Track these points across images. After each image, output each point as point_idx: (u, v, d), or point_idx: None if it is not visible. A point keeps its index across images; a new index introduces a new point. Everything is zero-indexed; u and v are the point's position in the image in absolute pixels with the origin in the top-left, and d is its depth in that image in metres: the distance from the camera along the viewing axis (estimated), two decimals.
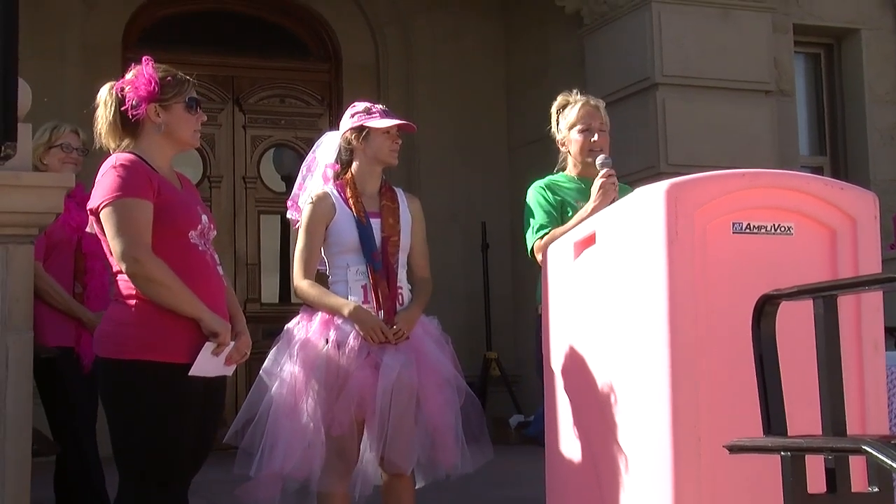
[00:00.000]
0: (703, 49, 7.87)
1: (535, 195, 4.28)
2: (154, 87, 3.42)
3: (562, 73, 9.11)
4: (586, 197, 4.17)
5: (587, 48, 8.48)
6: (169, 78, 3.47)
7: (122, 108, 3.41)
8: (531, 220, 4.25)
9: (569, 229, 3.93)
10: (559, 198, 4.25)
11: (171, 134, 3.48)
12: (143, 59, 3.47)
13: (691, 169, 3.65)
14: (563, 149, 4.42)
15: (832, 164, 9.43)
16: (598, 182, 4.13)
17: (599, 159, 4.19)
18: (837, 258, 3.22)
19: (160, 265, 3.28)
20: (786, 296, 2.39)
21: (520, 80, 9.87)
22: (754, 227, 3.15)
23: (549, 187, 4.29)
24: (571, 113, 4.34)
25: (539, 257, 4.14)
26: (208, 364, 3.35)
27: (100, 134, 3.48)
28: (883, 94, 9.34)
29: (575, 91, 4.47)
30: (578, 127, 4.31)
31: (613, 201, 4.02)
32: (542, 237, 4.17)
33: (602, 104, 4.40)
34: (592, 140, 4.29)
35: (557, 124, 4.41)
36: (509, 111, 10.00)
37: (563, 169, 4.43)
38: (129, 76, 3.46)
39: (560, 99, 4.45)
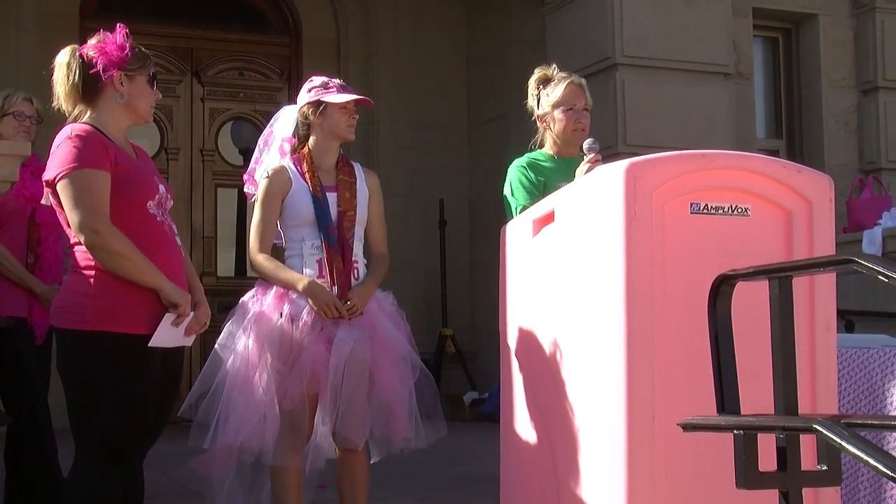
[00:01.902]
0: (664, 30, 7.91)
1: (516, 174, 4.17)
2: (126, 55, 3.40)
3: (522, 52, 9.13)
4: (566, 177, 4.03)
5: (548, 27, 8.49)
6: (137, 49, 3.46)
7: (92, 72, 3.38)
8: (512, 200, 4.14)
9: None
10: (541, 178, 4.14)
11: (130, 105, 3.45)
12: (118, 25, 3.45)
13: (649, 149, 3.65)
14: (541, 125, 4.29)
15: (788, 147, 9.52)
16: (583, 167, 4.01)
17: (586, 144, 4.07)
18: (793, 240, 3.25)
19: (119, 236, 3.26)
20: (742, 276, 2.40)
21: (480, 58, 9.87)
22: (712, 207, 3.17)
23: (530, 166, 4.17)
24: (556, 91, 4.22)
25: None
26: (168, 335, 3.33)
27: (58, 97, 3.44)
28: (839, 79, 9.43)
29: (553, 66, 4.35)
30: (563, 107, 4.20)
31: None
32: None
33: (584, 82, 4.29)
34: (577, 121, 4.19)
35: (538, 99, 4.28)
36: (469, 89, 10.00)
37: (542, 146, 4.32)
38: (93, 42, 3.43)
39: (539, 73, 4.32)
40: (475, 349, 9.37)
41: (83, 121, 3.41)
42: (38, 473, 4.67)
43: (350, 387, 3.84)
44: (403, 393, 3.91)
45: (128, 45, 3.42)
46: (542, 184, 4.13)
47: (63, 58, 3.43)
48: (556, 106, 4.21)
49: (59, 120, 3.50)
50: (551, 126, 4.23)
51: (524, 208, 4.03)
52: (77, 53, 3.42)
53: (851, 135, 9.41)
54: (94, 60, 3.38)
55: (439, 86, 9.82)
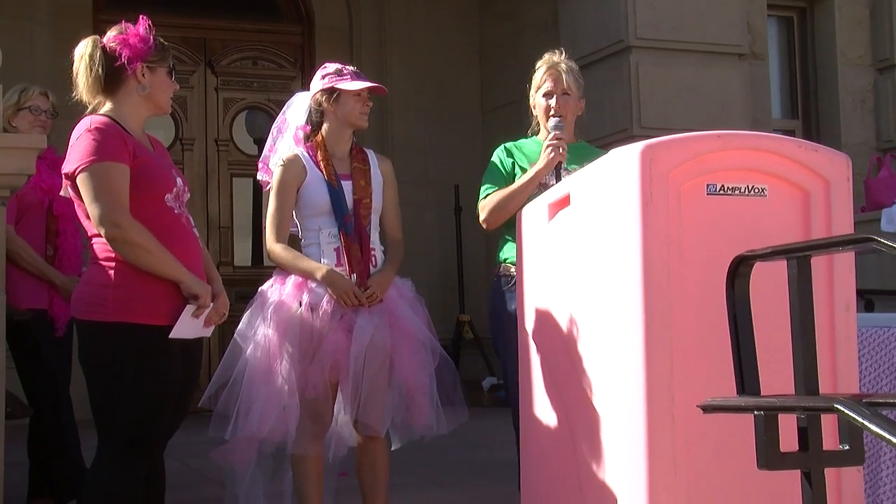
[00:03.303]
0: (677, 12, 7.87)
1: (494, 157, 4.29)
2: (150, 46, 3.40)
3: (536, 37, 9.10)
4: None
5: (561, 11, 8.47)
6: (158, 41, 3.47)
7: (116, 64, 3.38)
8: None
9: (511, 192, 4.07)
10: (512, 160, 4.24)
11: (151, 96, 3.47)
12: (141, 17, 3.47)
13: (664, 132, 3.64)
14: (534, 111, 4.37)
15: (804, 127, 9.47)
16: (544, 144, 4.12)
17: (551, 123, 4.17)
18: (811, 220, 3.23)
19: (140, 229, 3.27)
20: (760, 256, 2.39)
21: (493, 43, 9.84)
22: (728, 188, 3.16)
23: (508, 150, 4.29)
24: (536, 75, 4.30)
25: (482, 216, 4.20)
26: (188, 326, 3.34)
27: (79, 88, 3.44)
28: (855, 57, 9.36)
29: (559, 51, 4.37)
30: (542, 90, 4.27)
31: (559, 165, 4.04)
32: (484, 198, 4.20)
33: (568, 66, 4.28)
34: (550, 104, 4.24)
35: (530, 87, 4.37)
36: (483, 74, 9.98)
37: (537, 132, 4.37)
38: (114, 33, 3.43)
39: (543, 59, 4.36)
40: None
41: (102, 112, 3.42)
42: (60, 464, 4.70)
43: (371, 374, 3.85)
44: (424, 379, 3.92)
45: (151, 36, 3.43)
46: (513, 165, 4.24)
47: (85, 49, 3.43)
48: (537, 89, 4.27)
49: (75, 112, 3.50)
50: (536, 111, 4.30)
51: (487, 188, 4.23)
52: (99, 45, 3.42)
53: (868, 114, 9.35)
54: (117, 52, 3.39)
55: (453, 72, 9.80)
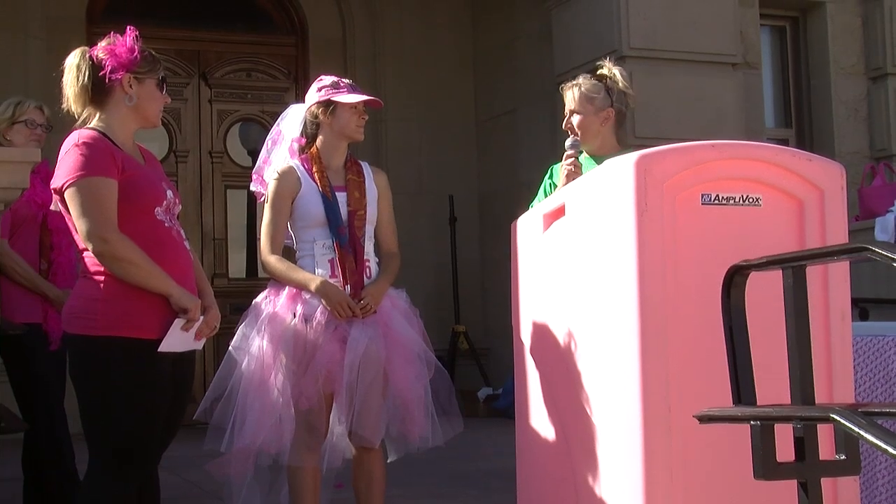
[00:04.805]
0: (670, 22, 7.88)
1: (544, 179, 4.31)
2: (136, 56, 3.40)
3: (529, 47, 9.13)
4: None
5: (554, 21, 8.48)
6: (147, 52, 3.46)
7: (101, 73, 3.38)
8: None
9: None
10: (550, 181, 4.27)
11: (139, 108, 3.45)
12: (128, 28, 3.45)
13: (658, 141, 3.64)
14: None
15: (798, 136, 9.49)
16: (562, 168, 4.12)
17: (567, 143, 4.16)
18: (805, 229, 3.23)
19: (128, 243, 3.26)
20: (755, 266, 2.39)
21: (487, 54, 9.87)
22: (723, 198, 3.16)
23: (551, 170, 4.30)
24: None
25: None
26: (178, 339, 3.33)
27: (67, 98, 3.44)
28: (848, 66, 9.39)
29: (608, 59, 4.33)
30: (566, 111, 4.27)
31: None
32: None
33: (580, 83, 4.21)
34: (564, 123, 4.24)
35: None
36: (477, 85, 10.00)
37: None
38: (103, 44, 3.43)
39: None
40: (488, 345, 9.37)
41: (91, 126, 3.41)
42: (54, 478, 4.68)
43: (365, 385, 3.85)
44: (419, 390, 3.91)
45: (137, 47, 3.42)
46: (551, 186, 4.24)
47: (73, 60, 3.43)
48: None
49: (67, 126, 3.50)
50: None
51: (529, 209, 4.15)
52: (87, 55, 3.42)
53: (861, 122, 9.37)
54: (103, 62, 3.38)
55: (446, 82, 9.82)
